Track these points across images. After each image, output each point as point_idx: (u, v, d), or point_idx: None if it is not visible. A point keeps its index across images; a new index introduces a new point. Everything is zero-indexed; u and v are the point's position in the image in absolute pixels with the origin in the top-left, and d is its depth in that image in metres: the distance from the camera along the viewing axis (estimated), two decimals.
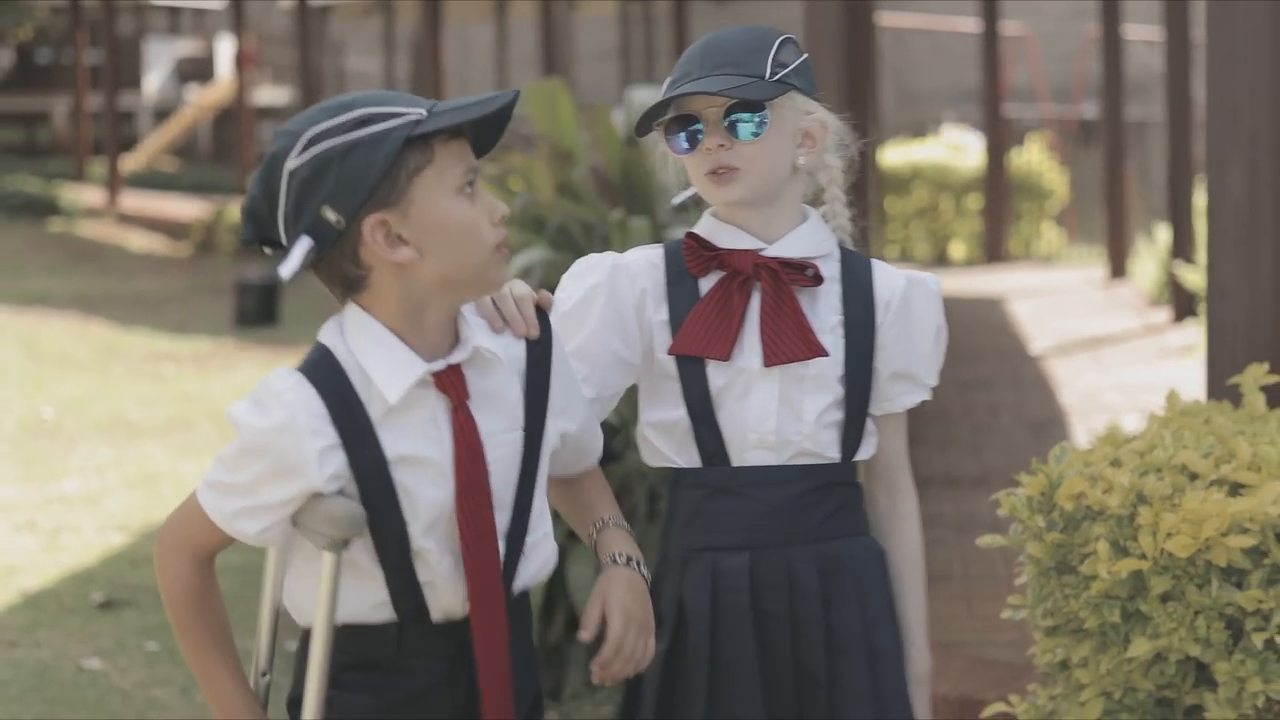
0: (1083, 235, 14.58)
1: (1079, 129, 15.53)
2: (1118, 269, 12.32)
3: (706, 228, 2.53)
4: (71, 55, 22.87)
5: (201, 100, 25.69)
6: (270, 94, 25.91)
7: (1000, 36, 13.94)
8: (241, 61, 20.16)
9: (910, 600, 2.59)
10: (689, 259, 2.49)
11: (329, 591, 2.15)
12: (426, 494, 2.15)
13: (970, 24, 16.77)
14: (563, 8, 20.40)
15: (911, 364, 2.54)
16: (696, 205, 2.60)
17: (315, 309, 12.53)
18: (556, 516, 2.40)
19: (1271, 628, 2.83)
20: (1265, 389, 3.37)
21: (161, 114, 26.69)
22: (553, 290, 2.46)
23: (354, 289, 2.15)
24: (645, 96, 7.93)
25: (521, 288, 2.29)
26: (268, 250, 2.17)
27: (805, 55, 2.51)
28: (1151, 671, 2.96)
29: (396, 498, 2.13)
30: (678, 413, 2.48)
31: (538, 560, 2.28)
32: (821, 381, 2.48)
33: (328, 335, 2.18)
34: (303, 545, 2.21)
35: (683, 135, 2.47)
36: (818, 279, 2.48)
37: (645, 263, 2.52)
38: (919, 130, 16.18)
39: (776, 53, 2.46)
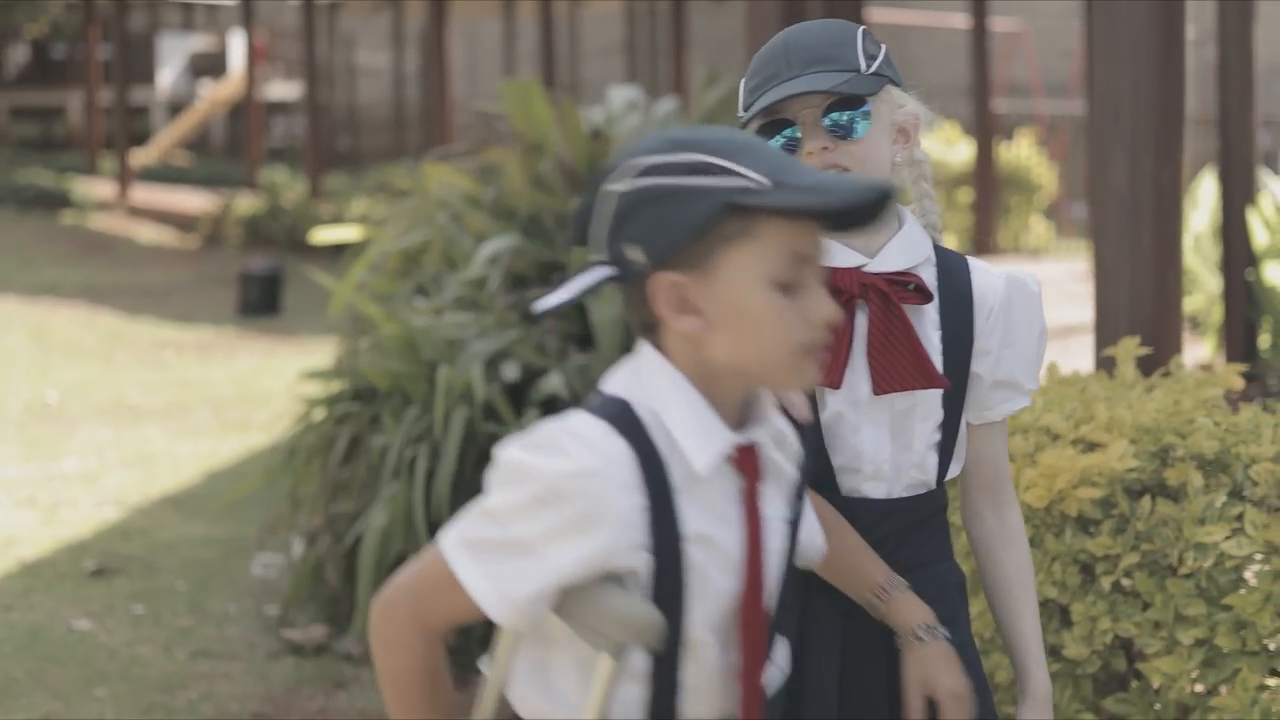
0: (1077, 229, 14.84)
1: (1072, 124, 15.79)
2: None
3: None
4: (85, 51, 23.21)
5: (214, 95, 26.03)
6: (282, 89, 26.28)
7: (991, 32, 14.19)
8: (253, 57, 20.50)
9: (1026, 618, 2.41)
10: None
11: (601, 700, 1.85)
12: (716, 580, 1.86)
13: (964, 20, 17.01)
14: (565, 5, 20.71)
15: (1014, 370, 2.38)
16: None
17: (315, 300, 12.87)
18: None
19: (1119, 572, 3.13)
20: (1142, 359, 3.68)
21: (175, 109, 27.05)
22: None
23: (649, 333, 1.88)
24: (623, 95, 8.22)
25: None
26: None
27: (884, 45, 2.36)
28: None
29: (685, 580, 1.84)
30: None
31: (777, 670, 2.04)
32: (928, 406, 2.32)
33: (623, 385, 1.88)
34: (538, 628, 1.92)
35: (776, 141, 2.28)
36: (926, 294, 2.30)
37: None
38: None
39: (863, 44, 2.30)
